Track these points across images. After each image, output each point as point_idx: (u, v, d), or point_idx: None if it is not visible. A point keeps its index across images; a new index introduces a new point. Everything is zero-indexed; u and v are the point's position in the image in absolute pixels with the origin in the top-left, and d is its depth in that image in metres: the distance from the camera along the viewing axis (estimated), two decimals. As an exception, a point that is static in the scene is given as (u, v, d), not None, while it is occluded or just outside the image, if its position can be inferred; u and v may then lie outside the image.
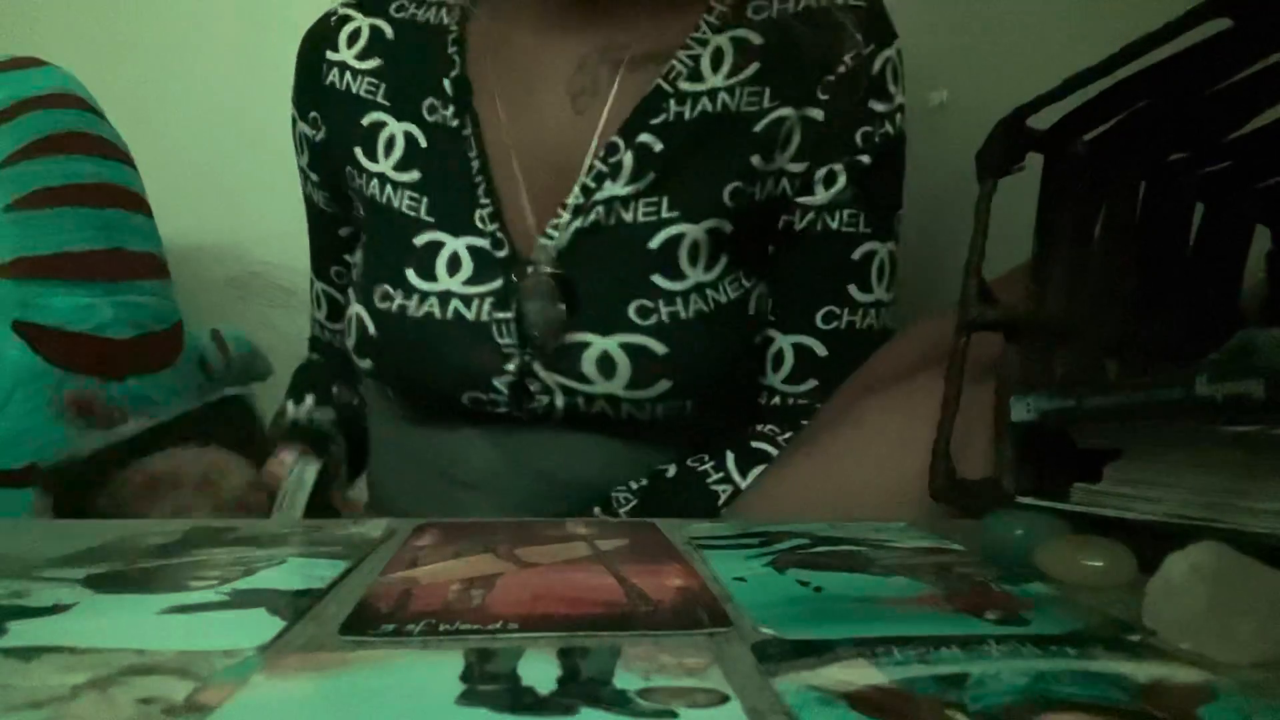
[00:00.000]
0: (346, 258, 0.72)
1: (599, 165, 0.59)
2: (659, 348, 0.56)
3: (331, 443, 0.69)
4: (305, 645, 0.25)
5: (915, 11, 0.87)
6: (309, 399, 0.73)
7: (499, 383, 0.58)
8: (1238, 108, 0.40)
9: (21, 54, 0.82)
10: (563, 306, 0.57)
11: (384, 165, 0.63)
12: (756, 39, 0.61)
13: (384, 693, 0.21)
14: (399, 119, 0.63)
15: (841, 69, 0.60)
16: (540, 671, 0.22)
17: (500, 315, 0.58)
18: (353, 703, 0.21)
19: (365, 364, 0.63)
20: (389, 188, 0.62)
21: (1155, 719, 0.20)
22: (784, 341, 0.62)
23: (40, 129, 0.77)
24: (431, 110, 0.62)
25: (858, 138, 0.61)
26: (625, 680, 0.21)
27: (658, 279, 0.57)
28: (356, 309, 0.62)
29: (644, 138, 0.59)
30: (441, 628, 0.25)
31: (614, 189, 0.58)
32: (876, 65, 0.61)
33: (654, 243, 0.58)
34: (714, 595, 0.29)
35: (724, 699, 0.21)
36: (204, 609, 0.28)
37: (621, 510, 0.58)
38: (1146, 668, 0.23)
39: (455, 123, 0.62)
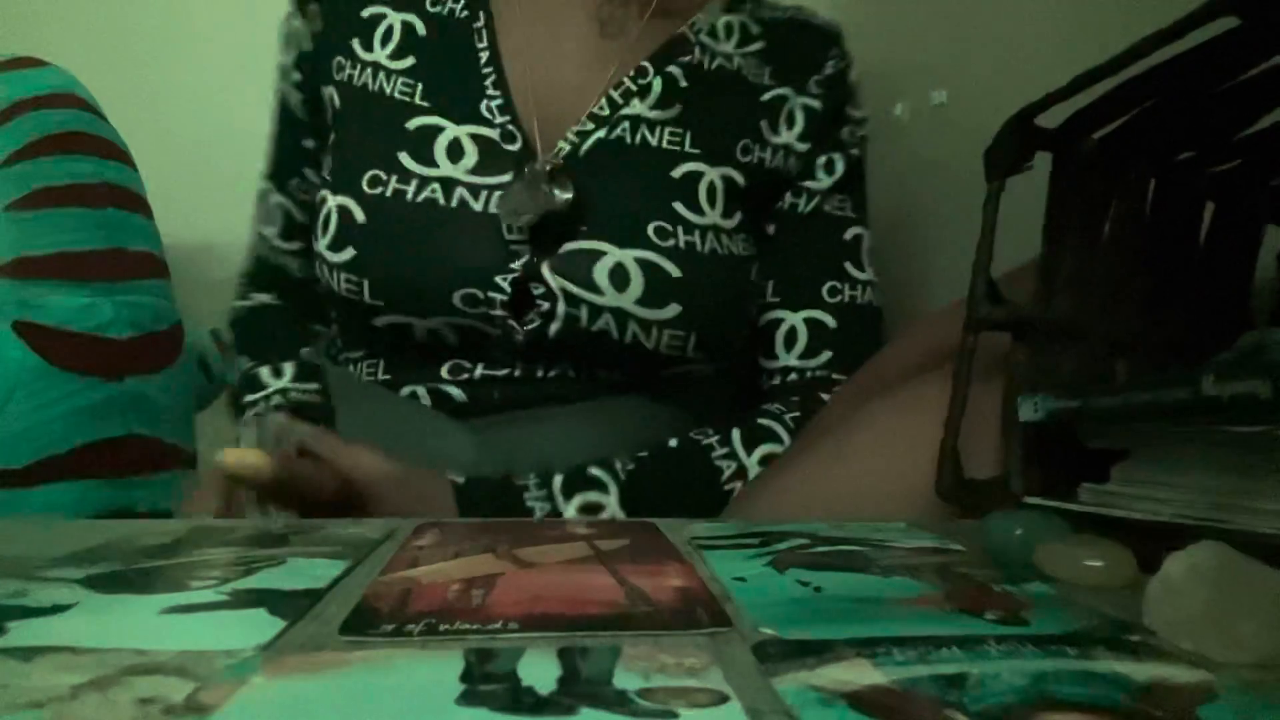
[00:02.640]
0: (307, 172, 0.69)
1: (628, 83, 0.61)
2: (673, 269, 0.57)
3: (332, 424, 0.67)
4: (305, 645, 0.24)
5: (916, 11, 0.87)
6: (288, 368, 0.62)
7: (501, 279, 0.56)
8: (1247, 106, 0.40)
9: (21, 54, 0.82)
10: (561, 195, 0.55)
11: (379, 54, 0.63)
12: (755, 29, 0.67)
13: (384, 693, 0.21)
14: (398, 10, 0.64)
15: (829, 70, 0.67)
16: (540, 671, 0.22)
17: None
18: (353, 703, 0.21)
19: (344, 256, 0.58)
20: (381, 75, 0.62)
21: (1155, 719, 0.20)
22: (795, 318, 0.65)
23: (40, 129, 0.77)
24: (436, 2, 0.63)
25: (844, 134, 0.68)
26: (625, 680, 0.21)
27: (679, 206, 0.59)
28: (338, 200, 0.59)
29: (672, 69, 0.63)
30: (441, 628, 0.25)
31: (640, 109, 0.61)
32: (851, 76, 0.68)
33: (676, 173, 0.60)
34: (714, 595, 0.29)
35: (724, 699, 0.20)
36: (204, 609, 0.28)
37: (621, 470, 0.55)
38: (1146, 668, 0.23)
39: (465, 14, 0.63)
